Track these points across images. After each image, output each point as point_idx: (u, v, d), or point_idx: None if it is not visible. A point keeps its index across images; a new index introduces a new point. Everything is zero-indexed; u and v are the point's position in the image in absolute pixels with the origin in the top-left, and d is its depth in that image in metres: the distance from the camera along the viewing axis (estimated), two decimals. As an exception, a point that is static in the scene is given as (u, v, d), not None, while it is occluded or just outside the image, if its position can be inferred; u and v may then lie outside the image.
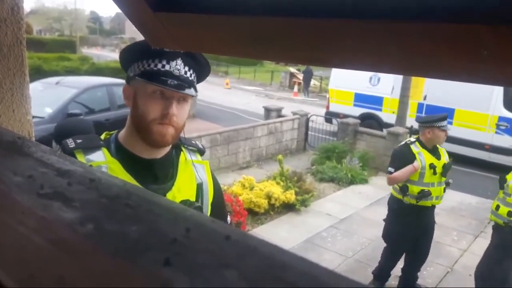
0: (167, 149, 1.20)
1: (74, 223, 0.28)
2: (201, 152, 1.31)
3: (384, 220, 3.93)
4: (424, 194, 3.53)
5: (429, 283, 4.17)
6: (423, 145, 3.60)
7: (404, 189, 3.59)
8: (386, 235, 3.89)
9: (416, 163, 3.53)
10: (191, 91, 1.10)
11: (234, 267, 0.23)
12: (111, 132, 1.22)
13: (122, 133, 1.19)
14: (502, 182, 3.52)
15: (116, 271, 0.23)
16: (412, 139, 3.70)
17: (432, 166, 3.54)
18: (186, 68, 1.11)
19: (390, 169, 3.61)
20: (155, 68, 1.07)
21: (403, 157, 3.58)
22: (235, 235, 0.27)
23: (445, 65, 0.50)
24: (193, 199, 1.21)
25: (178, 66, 1.09)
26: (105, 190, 0.35)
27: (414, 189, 3.56)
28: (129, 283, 0.22)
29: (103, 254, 0.25)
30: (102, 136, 1.21)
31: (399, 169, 3.54)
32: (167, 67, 1.08)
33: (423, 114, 9.49)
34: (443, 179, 3.61)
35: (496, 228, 3.55)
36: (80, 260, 0.24)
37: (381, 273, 4.00)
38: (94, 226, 0.28)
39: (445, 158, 3.66)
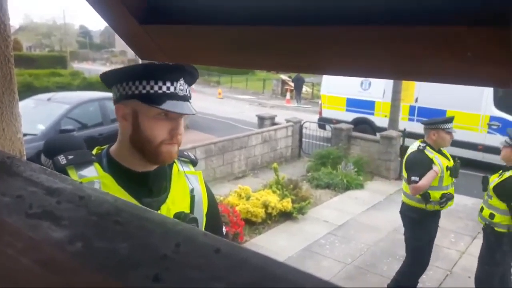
0: None
1: (62, 242, 0.27)
2: (194, 162, 1.31)
3: (404, 234, 3.79)
4: (448, 198, 3.49)
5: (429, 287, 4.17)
6: (433, 149, 3.54)
7: (426, 197, 3.47)
8: (411, 247, 3.72)
9: (436, 168, 3.45)
10: (193, 108, 1.11)
11: (224, 281, 0.23)
12: (102, 147, 1.21)
13: (114, 147, 1.18)
14: (485, 184, 3.52)
15: (105, 290, 0.23)
16: (421, 143, 3.58)
17: (448, 168, 3.51)
18: (187, 86, 1.12)
19: (414, 178, 3.43)
20: (160, 91, 1.06)
21: (423, 164, 3.47)
22: (226, 248, 0.26)
23: (432, 68, 0.51)
24: (187, 210, 1.21)
25: (182, 86, 1.09)
26: (95, 207, 0.35)
27: (436, 194, 3.47)
28: (118, 302, 0.22)
29: (91, 272, 0.24)
30: (94, 151, 1.20)
31: (422, 177, 3.42)
32: (172, 89, 1.07)
33: (415, 117, 9.56)
34: (453, 180, 3.59)
35: (483, 229, 3.57)
36: (68, 279, 0.24)
37: (408, 283, 3.83)
38: (83, 244, 0.27)
39: (451, 159, 3.65)
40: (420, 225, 3.62)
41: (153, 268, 0.24)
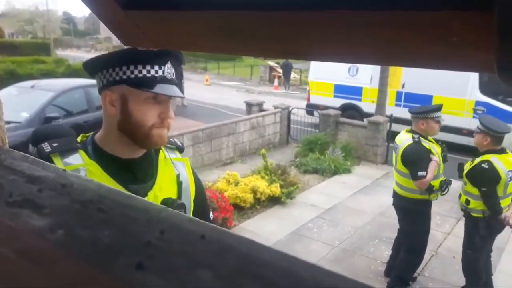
0: None
1: (43, 231, 0.27)
2: (180, 149, 1.31)
3: (403, 228, 3.76)
4: (447, 183, 3.51)
5: (415, 268, 4.25)
6: (424, 138, 3.50)
7: (430, 188, 3.46)
8: (412, 239, 3.70)
9: (436, 158, 3.45)
10: (180, 91, 1.12)
11: (208, 267, 0.23)
12: (87, 134, 1.20)
13: (99, 134, 1.17)
14: (461, 171, 3.56)
15: (86, 277, 0.22)
16: (414, 135, 3.50)
17: (442, 156, 3.54)
18: (173, 70, 1.12)
19: (421, 173, 3.36)
20: (149, 75, 1.05)
21: (424, 156, 3.43)
22: (211, 234, 0.26)
23: (417, 53, 0.51)
24: (174, 197, 1.21)
25: (169, 70, 1.09)
26: (78, 195, 0.34)
27: (435, 183, 3.48)
28: (100, 290, 0.21)
29: (73, 261, 0.24)
30: (79, 139, 1.19)
31: (426, 170, 3.38)
32: (160, 73, 1.07)
33: (402, 102, 9.63)
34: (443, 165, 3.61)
35: (463, 215, 3.65)
36: (49, 268, 0.23)
37: (410, 275, 3.87)
38: (65, 232, 0.27)
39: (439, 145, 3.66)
40: (424, 215, 3.63)
41: (136, 255, 0.24)
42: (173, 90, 1.08)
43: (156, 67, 1.06)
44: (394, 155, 3.73)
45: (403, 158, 3.50)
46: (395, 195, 3.73)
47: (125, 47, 0.92)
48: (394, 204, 3.78)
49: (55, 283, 0.22)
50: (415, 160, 3.44)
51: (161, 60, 1.07)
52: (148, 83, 1.05)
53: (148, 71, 1.05)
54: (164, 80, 1.07)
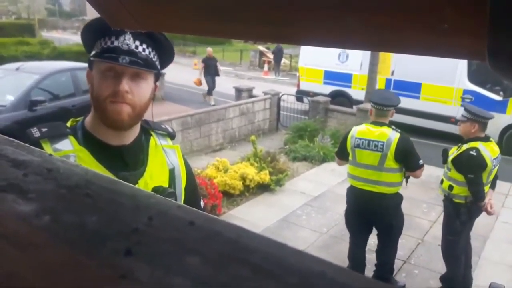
0: (136, 134, 1.17)
1: (29, 216, 0.26)
2: (171, 136, 1.29)
3: (399, 223, 3.52)
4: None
5: (401, 255, 4.33)
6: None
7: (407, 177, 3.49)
8: (401, 230, 3.57)
9: None
10: (143, 66, 1.08)
11: (197, 253, 0.22)
12: (77, 119, 1.18)
13: (88, 119, 1.15)
14: (445, 157, 3.60)
15: (73, 263, 0.22)
16: (391, 126, 3.36)
17: None
18: (137, 43, 1.08)
19: (421, 161, 3.32)
20: (105, 46, 1.06)
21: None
22: (200, 221, 0.26)
23: (408, 39, 0.51)
24: (165, 184, 1.19)
25: (127, 41, 1.07)
26: (64, 180, 0.33)
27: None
28: (87, 275, 0.21)
29: (59, 247, 0.23)
30: (68, 124, 1.17)
31: None
32: (115, 43, 1.06)
33: (391, 90, 9.69)
34: None
35: (443, 201, 3.71)
36: (34, 254, 0.23)
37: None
38: (51, 218, 0.26)
39: None
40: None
41: (124, 241, 0.24)
42: (124, 59, 1.05)
43: (113, 38, 1.06)
44: (369, 153, 3.32)
45: (399, 153, 3.26)
46: (376, 196, 3.37)
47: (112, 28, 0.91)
48: (375, 206, 3.44)
49: (40, 268, 0.22)
50: (412, 150, 3.32)
51: (119, 31, 1.06)
52: (102, 53, 1.05)
53: (105, 42, 1.06)
54: (118, 50, 1.05)
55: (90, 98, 1.11)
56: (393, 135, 3.29)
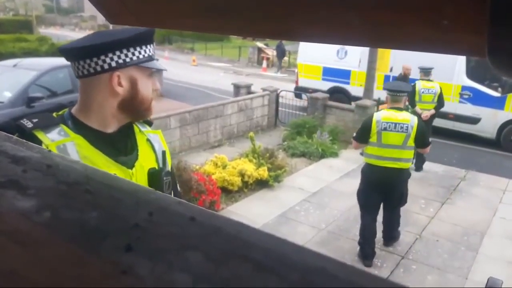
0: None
1: (29, 212, 0.26)
2: (149, 123, 1.37)
3: (403, 191, 4.16)
4: None
5: (399, 250, 4.35)
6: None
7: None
8: (406, 197, 4.31)
9: None
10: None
11: (197, 249, 0.22)
12: (59, 113, 1.21)
13: (79, 110, 1.18)
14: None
15: (74, 259, 0.22)
16: (408, 111, 4.42)
17: None
18: None
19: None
20: (150, 53, 1.19)
21: None
22: (200, 216, 0.26)
23: (408, 35, 0.50)
24: (156, 166, 1.27)
25: (153, 47, 1.23)
26: (64, 176, 0.33)
27: None
28: (88, 271, 0.21)
29: (59, 243, 0.23)
30: (54, 114, 1.21)
31: None
32: (153, 51, 1.21)
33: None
34: None
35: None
36: (34, 251, 0.23)
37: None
38: (51, 214, 0.26)
39: None
40: None
41: (124, 238, 0.24)
42: (162, 64, 1.28)
43: (149, 47, 1.19)
44: (396, 134, 3.86)
45: (419, 134, 3.85)
46: (396, 172, 3.91)
47: (111, 25, 0.92)
48: (394, 180, 3.97)
49: (41, 265, 0.22)
50: (426, 131, 4.11)
51: (150, 40, 1.20)
52: (149, 62, 1.19)
53: (145, 51, 1.18)
54: (154, 57, 1.22)
55: (126, 100, 1.17)
56: (414, 118, 3.91)
